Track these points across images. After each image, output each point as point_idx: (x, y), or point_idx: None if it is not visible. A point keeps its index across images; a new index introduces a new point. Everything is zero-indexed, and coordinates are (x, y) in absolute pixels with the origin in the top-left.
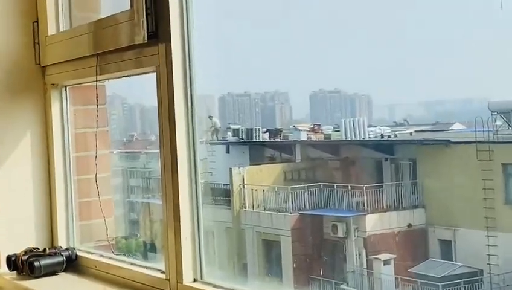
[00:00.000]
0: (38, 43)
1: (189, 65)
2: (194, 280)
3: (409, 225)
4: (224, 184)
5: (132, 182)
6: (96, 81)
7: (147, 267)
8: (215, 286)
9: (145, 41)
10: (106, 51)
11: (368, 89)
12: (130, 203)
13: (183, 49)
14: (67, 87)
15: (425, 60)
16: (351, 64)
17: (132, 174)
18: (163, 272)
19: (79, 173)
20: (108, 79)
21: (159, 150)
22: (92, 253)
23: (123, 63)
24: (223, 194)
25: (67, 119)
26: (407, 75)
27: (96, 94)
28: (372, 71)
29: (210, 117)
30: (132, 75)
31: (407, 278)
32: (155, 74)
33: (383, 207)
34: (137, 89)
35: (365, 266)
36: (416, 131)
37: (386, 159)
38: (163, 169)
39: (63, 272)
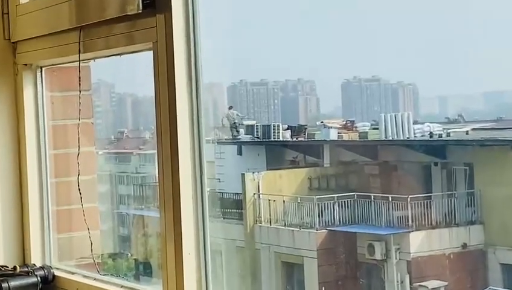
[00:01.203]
0: (7, 14)
1: (195, 42)
2: None
3: (464, 245)
4: (234, 193)
5: (122, 189)
6: (79, 61)
7: None
8: None
9: (140, 11)
10: (91, 23)
11: (414, 77)
12: (119, 215)
13: (187, 21)
14: (43, 69)
15: (486, 41)
16: (393, 46)
17: (122, 179)
18: None
19: (57, 174)
20: (93, 58)
21: (155, 151)
22: (72, 273)
23: (112, 39)
24: (233, 206)
25: (43, 107)
26: (463, 60)
27: (79, 77)
28: (419, 55)
29: (230, 108)
30: (123, 54)
31: None
32: (152, 52)
33: (431, 223)
34: (128, 73)
35: None
36: (473, 129)
37: (436, 164)
38: (161, 174)
39: None
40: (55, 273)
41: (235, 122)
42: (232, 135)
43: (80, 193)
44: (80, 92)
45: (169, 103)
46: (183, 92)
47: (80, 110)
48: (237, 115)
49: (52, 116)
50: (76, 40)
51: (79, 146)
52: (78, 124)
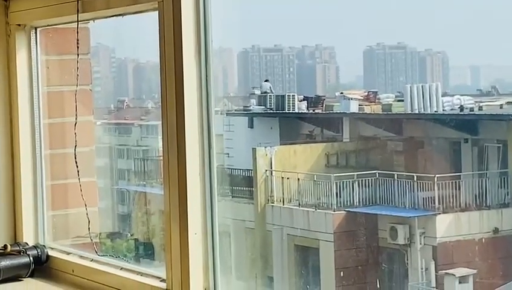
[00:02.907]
0: None
1: (204, 1)
2: None
3: (496, 230)
4: (245, 170)
5: (121, 163)
6: (77, 21)
7: (141, 274)
8: None
9: None
10: None
11: (444, 45)
12: (119, 191)
13: None
14: (38, 30)
15: None
16: (421, 10)
17: (122, 153)
18: (163, 280)
19: (52, 145)
20: (93, 19)
21: (159, 122)
22: (68, 253)
23: None
24: (243, 184)
25: (37, 72)
26: (498, 27)
27: (77, 39)
28: (450, 20)
29: (266, 81)
30: (125, 15)
31: None
32: (157, 12)
33: (460, 205)
34: (130, 36)
35: (434, 285)
36: (508, 103)
37: (466, 141)
38: (165, 148)
39: (28, 277)
40: (49, 253)
41: (264, 96)
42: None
43: (77, 166)
44: (78, 56)
45: (175, 70)
46: (190, 57)
47: (77, 75)
48: (267, 87)
49: (47, 82)
50: None
51: (76, 115)
52: (76, 91)
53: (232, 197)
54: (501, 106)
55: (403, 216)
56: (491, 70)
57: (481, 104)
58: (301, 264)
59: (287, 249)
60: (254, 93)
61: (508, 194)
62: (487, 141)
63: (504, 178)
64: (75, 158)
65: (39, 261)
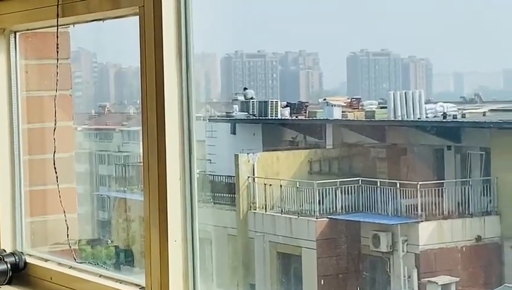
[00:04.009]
0: None
1: (186, 7)
2: None
3: (478, 238)
4: (227, 176)
5: (102, 169)
6: (57, 26)
7: (120, 281)
8: None
9: None
10: None
11: (428, 51)
12: (99, 198)
13: None
14: (17, 34)
15: (508, 13)
16: (405, 16)
17: (102, 159)
18: (142, 288)
19: (31, 151)
20: (73, 24)
21: (140, 128)
22: (46, 260)
23: (94, 2)
24: (225, 190)
25: (16, 77)
26: (482, 34)
27: (57, 44)
28: (434, 27)
29: (245, 89)
30: (106, 19)
31: None
32: (138, 17)
33: (443, 213)
34: (112, 41)
35: None
36: (491, 110)
37: (450, 148)
38: (146, 153)
39: (6, 284)
40: (27, 260)
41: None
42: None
43: (56, 172)
44: (58, 60)
45: (156, 75)
46: (172, 62)
47: (57, 80)
48: (248, 94)
49: (27, 86)
50: (55, 2)
51: (55, 120)
52: (55, 96)
53: (214, 203)
54: (484, 114)
55: (385, 223)
56: (474, 78)
57: (464, 111)
58: (283, 272)
59: (269, 257)
60: (237, 99)
61: (490, 202)
62: (470, 148)
63: (487, 186)
64: (54, 164)
65: (17, 269)
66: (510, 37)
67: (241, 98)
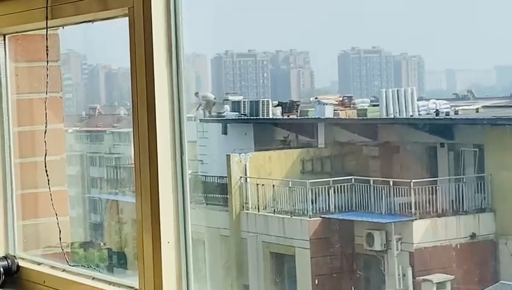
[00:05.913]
0: None
1: (175, 8)
2: None
3: (473, 235)
4: (219, 177)
5: (94, 171)
6: (47, 28)
7: (114, 284)
8: None
9: None
10: None
11: (420, 49)
12: (91, 200)
13: None
14: (7, 37)
15: (500, 9)
16: (396, 13)
17: (94, 161)
18: None
19: (22, 154)
20: (62, 26)
21: (131, 129)
22: (39, 263)
23: (83, 3)
24: (217, 191)
25: (6, 80)
26: (474, 31)
27: (46, 46)
28: (425, 24)
29: (196, 94)
30: (96, 21)
31: None
32: (127, 18)
33: (436, 211)
34: (101, 42)
35: None
36: (484, 107)
37: (443, 145)
38: (137, 155)
39: None
40: (20, 264)
41: (208, 102)
42: (209, 115)
43: (47, 175)
44: (48, 62)
45: (146, 76)
46: (162, 63)
47: (47, 83)
48: (205, 96)
49: (17, 89)
50: (44, 4)
51: (46, 123)
52: (45, 98)
53: (207, 204)
54: (477, 110)
55: (379, 222)
56: (467, 75)
57: (457, 108)
58: (277, 272)
59: (263, 257)
60: (228, 99)
61: (484, 199)
62: (463, 145)
63: (481, 183)
64: (45, 167)
65: (9, 272)
66: (502, 34)
67: (232, 98)
